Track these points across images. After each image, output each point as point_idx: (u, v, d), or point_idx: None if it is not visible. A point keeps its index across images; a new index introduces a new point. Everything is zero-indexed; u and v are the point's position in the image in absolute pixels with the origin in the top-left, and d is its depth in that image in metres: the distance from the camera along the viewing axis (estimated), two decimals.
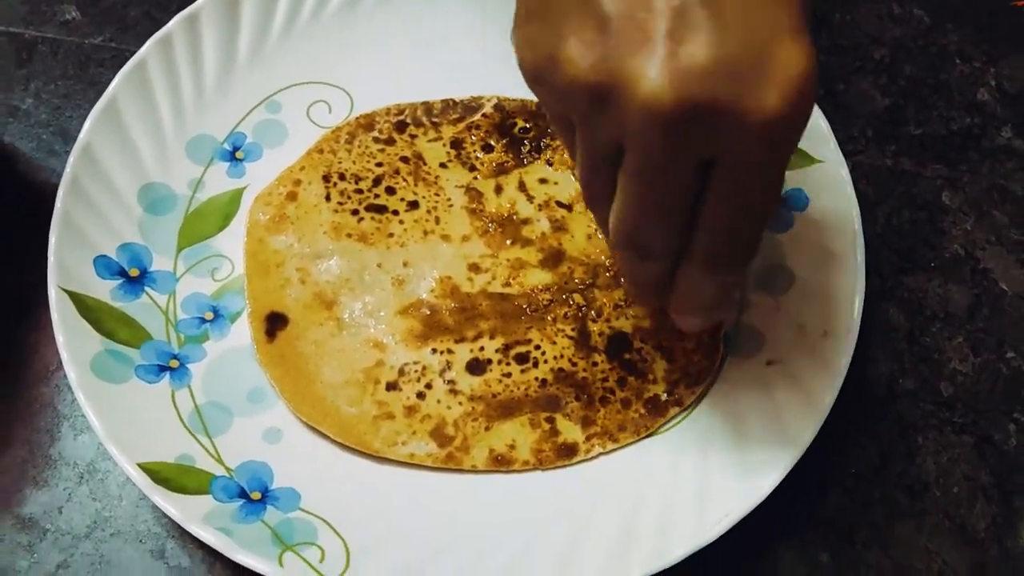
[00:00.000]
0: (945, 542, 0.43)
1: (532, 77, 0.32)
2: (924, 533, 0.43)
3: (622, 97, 0.29)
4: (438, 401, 0.43)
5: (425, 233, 0.47)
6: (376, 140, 0.49)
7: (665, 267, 0.35)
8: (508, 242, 0.47)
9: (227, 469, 0.41)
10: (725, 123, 0.29)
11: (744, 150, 0.29)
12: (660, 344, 0.45)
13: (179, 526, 0.39)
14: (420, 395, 0.43)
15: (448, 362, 0.44)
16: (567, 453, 0.43)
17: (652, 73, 0.28)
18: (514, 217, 0.48)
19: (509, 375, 0.44)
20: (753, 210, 0.32)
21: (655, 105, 0.28)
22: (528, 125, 0.50)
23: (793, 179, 0.48)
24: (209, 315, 0.45)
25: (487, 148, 0.49)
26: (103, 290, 0.43)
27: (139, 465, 0.39)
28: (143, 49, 0.48)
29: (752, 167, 0.30)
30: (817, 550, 0.43)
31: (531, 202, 0.48)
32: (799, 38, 0.29)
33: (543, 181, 0.49)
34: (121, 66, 0.47)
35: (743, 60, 0.28)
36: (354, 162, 0.49)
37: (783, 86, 0.28)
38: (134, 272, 0.45)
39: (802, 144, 0.47)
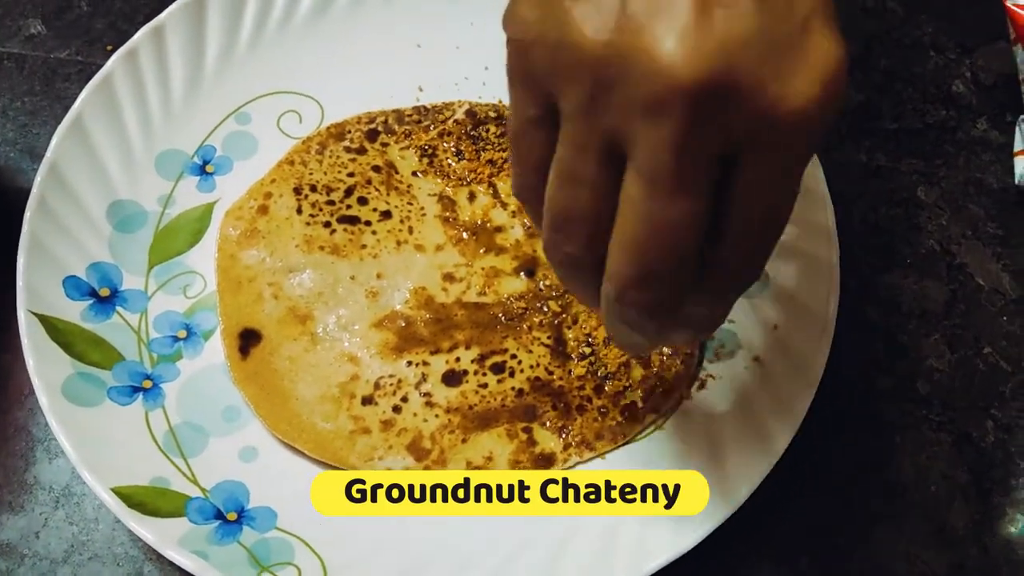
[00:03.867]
0: (925, 543, 0.43)
1: (524, 55, 0.27)
2: (904, 535, 0.43)
3: (634, 70, 0.24)
4: (414, 414, 0.43)
5: (398, 243, 0.47)
6: (347, 150, 0.49)
7: (679, 295, 0.28)
8: (482, 250, 0.47)
9: (202, 490, 0.41)
10: (752, 109, 0.25)
11: (773, 144, 0.25)
12: None
13: None
14: (396, 408, 0.43)
15: (424, 374, 0.44)
16: (545, 463, 0.43)
17: (671, 43, 0.24)
18: (488, 225, 0.47)
19: (485, 386, 0.44)
20: (776, 218, 0.28)
21: (671, 80, 0.24)
22: (500, 131, 0.50)
23: None
24: (182, 333, 0.44)
25: (459, 155, 0.49)
26: (73, 311, 0.43)
27: (113, 490, 0.39)
28: (109, 63, 0.47)
29: (778, 165, 0.26)
30: (796, 555, 0.43)
31: (504, 209, 0.48)
32: (833, 24, 0.26)
33: None
34: (88, 80, 0.46)
35: (778, 39, 0.25)
36: (325, 173, 0.48)
37: (820, 73, 0.25)
38: (104, 292, 0.44)
39: None
